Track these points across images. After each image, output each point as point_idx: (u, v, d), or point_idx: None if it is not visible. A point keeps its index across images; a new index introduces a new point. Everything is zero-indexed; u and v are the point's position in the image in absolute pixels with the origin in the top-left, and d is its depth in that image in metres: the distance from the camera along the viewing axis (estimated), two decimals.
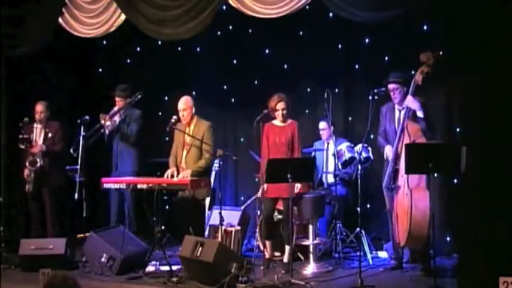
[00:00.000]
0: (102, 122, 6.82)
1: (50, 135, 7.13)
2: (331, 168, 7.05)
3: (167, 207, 7.36)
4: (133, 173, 6.90)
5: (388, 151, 5.98)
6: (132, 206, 6.99)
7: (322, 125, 7.15)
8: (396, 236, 5.87)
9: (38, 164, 7.08)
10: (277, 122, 6.34)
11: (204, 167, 6.39)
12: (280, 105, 6.23)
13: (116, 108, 6.99)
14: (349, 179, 6.92)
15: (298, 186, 6.15)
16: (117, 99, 7.08)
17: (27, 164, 7.09)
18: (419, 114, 5.81)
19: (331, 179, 7.04)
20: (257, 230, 6.80)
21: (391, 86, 6.00)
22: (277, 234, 6.40)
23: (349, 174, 6.95)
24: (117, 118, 7.00)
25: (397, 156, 5.86)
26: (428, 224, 5.53)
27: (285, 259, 6.23)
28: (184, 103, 6.46)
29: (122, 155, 7.02)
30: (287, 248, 6.19)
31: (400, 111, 5.99)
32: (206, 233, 6.94)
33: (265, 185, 6.14)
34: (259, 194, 6.35)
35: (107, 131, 6.95)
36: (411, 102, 5.80)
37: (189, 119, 6.47)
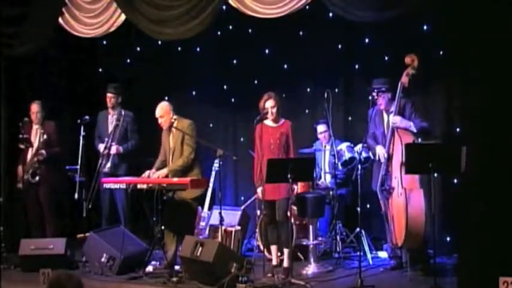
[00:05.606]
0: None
1: (45, 136, 7.03)
2: (329, 168, 7.04)
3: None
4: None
5: (380, 151, 5.98)
6: (127, 206, 6.98)
7: (321, 128, 7.08)
8: (393, 238, 5.87)
9: (37, 178, 7.06)
10: (269, 122, 6.04)
11: (183, 165, 6.23)
12: (269, 103, 5.94)
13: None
14: (348, 179, 6.92)
15: (294, 188, 5.99)
16: (109, 95, 7.10)
17: (27, 175, 7.06)
18: (412, 129, 5.81)
19: (329, 179, 7.04)
20: (257, 230, 6.80)
21: (374, 93, 6.02)
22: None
23: (347, 174, 6.96)
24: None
25: (388, 158, 5.87)
26: (425, 222, 5.57)
27: (285, 263, 5.97)
28: (160, 110, 6.35)
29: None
30: (286, 251, 5.97)
31: (388, 114, 6.00)
32: (207, 232, 6.95)
33: (260, 188, 5.91)
34: (259, 197, 6.02)
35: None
36: (400, 122, 5.81)
37: (168, 124, 6.36)
